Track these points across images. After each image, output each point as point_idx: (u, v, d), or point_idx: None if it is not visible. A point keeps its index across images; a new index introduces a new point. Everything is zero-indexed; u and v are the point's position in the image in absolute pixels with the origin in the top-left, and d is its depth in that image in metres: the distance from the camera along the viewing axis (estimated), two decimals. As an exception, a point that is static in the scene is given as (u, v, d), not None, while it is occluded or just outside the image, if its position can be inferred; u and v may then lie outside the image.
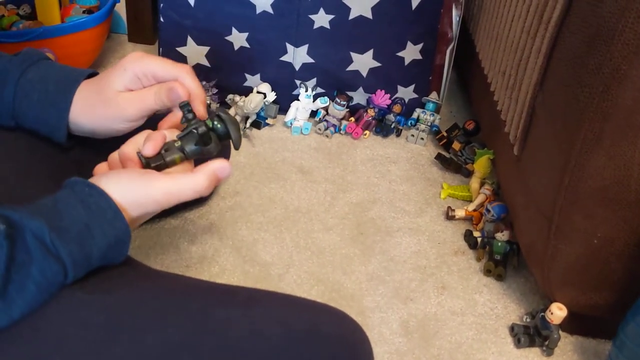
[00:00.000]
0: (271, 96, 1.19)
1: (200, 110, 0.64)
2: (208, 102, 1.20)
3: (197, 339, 0.50)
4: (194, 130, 0.60)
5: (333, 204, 1.05)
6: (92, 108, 0.64)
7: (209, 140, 0.61)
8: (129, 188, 0.55)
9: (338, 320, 0.58)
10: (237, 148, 0.62)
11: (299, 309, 0.57)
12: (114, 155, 0.62)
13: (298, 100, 1.21)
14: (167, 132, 0.62)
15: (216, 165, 0.58)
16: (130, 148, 0.60)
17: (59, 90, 0.64)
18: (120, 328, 0.49)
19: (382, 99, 1.23)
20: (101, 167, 0.63)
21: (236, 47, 1.19)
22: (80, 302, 0.50)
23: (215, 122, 0.61)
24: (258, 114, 1.20)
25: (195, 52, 1.20)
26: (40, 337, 0.48)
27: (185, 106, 0.61)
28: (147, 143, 0.59)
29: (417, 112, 1.24)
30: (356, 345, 0.56)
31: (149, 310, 0.52)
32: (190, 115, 0.61)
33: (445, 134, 1.20)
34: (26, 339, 0.47)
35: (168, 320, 0.51)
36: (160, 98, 0.64)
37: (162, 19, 1.19)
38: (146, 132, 0.61)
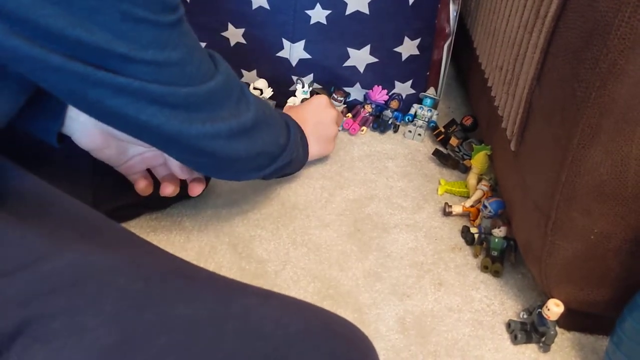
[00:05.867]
0: (268, 92, 1.19)
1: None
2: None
3: (222, 318, 0.52)
4: None
5: (330, 200, 1.05)
6: None
7: None
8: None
9: (347, 324, 0.60)
10: None
11: (311, 307, 0.60)
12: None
13: (295, 96, 1.20)
14: None
15: None
16: None
17: None
18: (152, 296, 0.52)
19: (379, 94, 1.22)
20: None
21: (232, 43, 1.18)
22: (118, 269, 0.53)
23: None
24: (255, 110, 1.19)
25: (192, 48, 1.20)
26: (79, 293, 0.49)
27: None
28: None
29: (415, 107, 1.23)
30: (366, 351, 0.58)
31: (179, 285, 0.54)
32: None
33: (442, 130, 1.20)
34: (67, 293, 0.49)
35: (195, 297, 0.54)
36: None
37: (158, 15, 1.19)
38: None
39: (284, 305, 0.57)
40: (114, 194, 0.85)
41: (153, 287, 0.53)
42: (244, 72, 1.21)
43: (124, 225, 0.93)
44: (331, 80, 1.22)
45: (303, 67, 1.20)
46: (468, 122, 1.18)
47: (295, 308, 0.57)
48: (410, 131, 1.22)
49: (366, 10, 1.15)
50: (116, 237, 0.59)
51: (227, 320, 0.52)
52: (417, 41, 1.21)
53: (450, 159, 1.15)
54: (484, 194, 1.04)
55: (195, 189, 0.87)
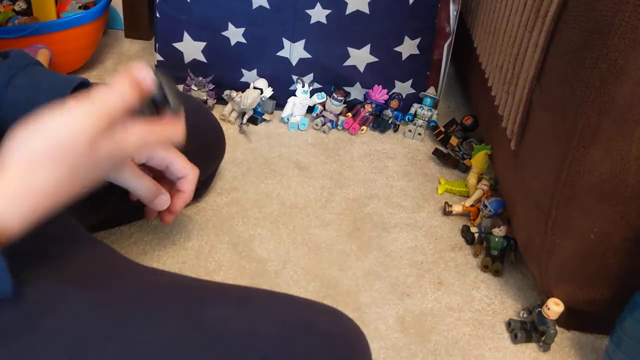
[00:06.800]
0: (268, 92, 1.19)
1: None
2: (205, 98, 1.20)
3: (192, 337, 0.49)
4: None
5: (330, 199, 1.05)
6: None
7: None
8: None
9: (335, 319, 0.57)
10: (175, 112, 0.53)
11: (295, 307, 0.57)
12: None
13: (295, 95, 1.20)
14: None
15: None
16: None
17: (48, 100, 0.62)
18: (113, 325, 0.49)
19: (379, 94, 1.22)
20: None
21: (233, 43, 1.18)
22: (73, 299, 0.50)
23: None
24: (255, 110, 1.19)
25: (192, 47, 1.20)
26: (33, 334, 0.47)
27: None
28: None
29: (415, 107, 1.23)
30: (354, 343, 0.56)
31: (142, 307, 0.51)
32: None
33: (442, 130, 1.20)
34: (18, 335, 0.47)
35: (162, 318, 0.51)
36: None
37: (158, 15, 1.19)
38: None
39: (262, 311, 0.54)
40: (108, 200, 0.83)
41: (115, 313, 0.49)
42: (244, 71, 1.21)
43: (124, 226, 0.93)
44: (331, 79, 1.22)
45: (303, 67, 1.20)
46: (468, 121, 1.18)
47: (273, 313, 0.54)
48: (410, 131, 1.22)
49: (366, 10, 1.15)
50: (78, 261, 0.55)
51: (198, 338, 0.49)
52: (417, 41, 1.21)
53: (450, 159, 1.15)
54: (484, 194, 1.04)
55: (167, 218, 0.78)
